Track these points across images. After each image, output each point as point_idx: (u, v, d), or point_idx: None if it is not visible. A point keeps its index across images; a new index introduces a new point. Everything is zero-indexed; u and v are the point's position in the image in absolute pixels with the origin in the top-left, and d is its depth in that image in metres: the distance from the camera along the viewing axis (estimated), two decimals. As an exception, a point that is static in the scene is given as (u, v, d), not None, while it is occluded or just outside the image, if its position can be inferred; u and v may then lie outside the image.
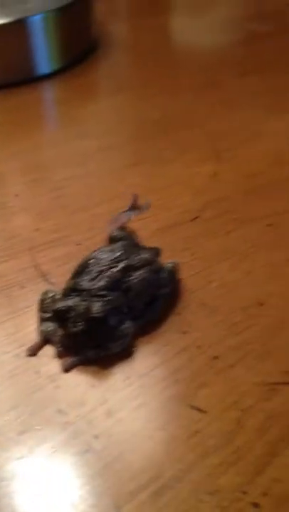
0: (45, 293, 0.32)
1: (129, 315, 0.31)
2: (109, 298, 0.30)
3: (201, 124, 0.54)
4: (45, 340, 0.31)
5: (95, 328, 0.29)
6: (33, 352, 0.31)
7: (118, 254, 0.33)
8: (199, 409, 0.28)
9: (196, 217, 0.42)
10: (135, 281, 0.31)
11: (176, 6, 0.88)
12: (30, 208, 0.43)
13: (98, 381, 0.29)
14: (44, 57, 0.60)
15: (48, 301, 0.32)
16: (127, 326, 0.30)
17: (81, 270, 0.32)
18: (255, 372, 0.30)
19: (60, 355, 0.30)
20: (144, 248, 0.35)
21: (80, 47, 0.66)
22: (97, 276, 0.31)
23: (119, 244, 0.34)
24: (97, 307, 0.29)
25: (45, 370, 0.30)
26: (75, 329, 0.29)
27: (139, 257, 0.33)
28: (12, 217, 0.42)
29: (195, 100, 0.59)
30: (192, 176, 0.47)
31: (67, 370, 0.30)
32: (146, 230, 0.40)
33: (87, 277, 0.31)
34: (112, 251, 0.33)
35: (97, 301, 0.30)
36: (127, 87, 0.61)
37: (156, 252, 0.35)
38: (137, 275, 0.32)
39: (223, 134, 0.52)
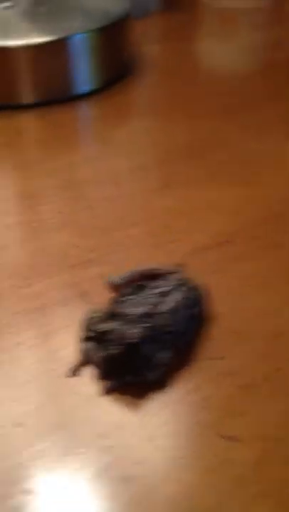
0: (91, 312, 0.33)
1: (170, 341, 0.32)
2: (148, 325, 0.31)
3: (230, 148, 0.55)
4: (86, 360, 0.32)
5: (129, 354, 0.30)
6: (75, 372, 0.31)
7: (156, 281, 0.33)
8: (233, 438, 0.29)
9: (227, 241, 0.43)
10: (177, 301, 0.32)
11: (205, 30, 0.89)
12: (70, 225, 0.44)
13: (136, 406, 0.30)
14: (83, 76, 0.62)
15: (93, 321, 0.33)
16: (164, 355, 0.31)
17: (124, 295, 0.33)
18: (287, 401, 0.30)
19: (99, 377, 0.31)
20: (168, 269, 0.36)
21: (117, 67, 0.67)
22: (139, 303, 0.32)
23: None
24: (132, 333, 0.30)
25: (85, 391, 0.31)
26: (110, 352, 0.30)
27: (171, 278, 0.34)
28: (53, 234, 0.43)
29: (223, 124, 0.59)
30: (223, 199, 0.47)
31: (105, 393, 0.31)
32: (177, 252, 0.41)
33: (128, 303, 0.32)
34: (151, 280, 0.34)
35: (135, 327, 0.30)
36: (159, 109, 0.62)
37: (179, 269, 0.36)
38: (175, 297, 0.32)
39: (252, 158, 0.53)
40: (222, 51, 0.79)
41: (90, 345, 0.32)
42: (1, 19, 0.63)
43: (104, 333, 0.31)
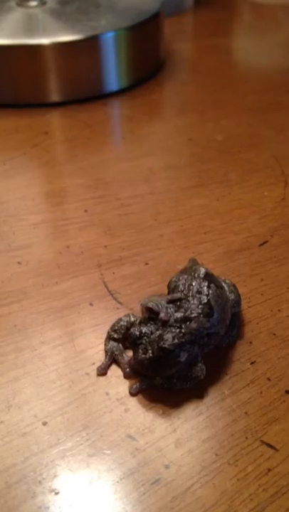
0: (126, 316, 0.32)
1: (208, 344, 0.30)
2: (185, 331, 0.29)
3: (267, 147, 0.54)
4: (112, 359, 0.31)
5: (164, 360, 0.28)
6: (103, 372, 0.30)
7: (190, 281, 0.31)
8: (271, 446, 0.27)
9: (264, 243, 0.41)
10: (213, 300, 0.30)
11: (240, 28, 0.88)
12: (99, 224, 0.43)
13: (167, 408, 0.29)
14: (113, 74, 0.61)
15: (123, 323, 0.32)
16: (199, 368, 0.29)
17: (160, 300, 0.31)
18: None
19: (126, 377, 0.30)
20: (190, 267, 0.34)
21: (148, 65, 0.66)
22: (175, 307, 0.30)
23: (181, 274, 0.33)
24: (169, 338, 0.28)
25: (114, 392, 0.29)
26: (143, 356, 0.28)
27: (199, 272, 0.32)
28: (81, 233, 0.42)
29: (259, 122, 0.58)
30: (259, 199, 0.46)
31: (133, 394, 0.29)
32: (212, 253, 0.40)
33: (164, 308, 0.30)
34: (184, 279, 0.32)
35: (172, 332, 0.29)
36: (192, 107, 0.61)
37: (195, 261, 0.34)
38: (211, 294, 0.30)
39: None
40: (257, 48, 0.77)
41: (115, 344, 0.31)
42: (30, 17, 0.63)
43: (138, 336, 0.29)
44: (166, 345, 0.28)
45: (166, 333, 0.28)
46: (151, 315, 0.30)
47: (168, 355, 0.28)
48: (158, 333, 0.28)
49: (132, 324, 0.31)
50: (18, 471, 0.26)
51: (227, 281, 0.34)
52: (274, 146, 0.54)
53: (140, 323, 0.30)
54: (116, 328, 0.32)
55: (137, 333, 0.29)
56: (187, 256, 0.39)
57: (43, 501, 0.25)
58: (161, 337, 0.28)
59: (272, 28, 0.85)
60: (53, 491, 0.25)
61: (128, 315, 0.32)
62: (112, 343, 0.31)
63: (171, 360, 0.28)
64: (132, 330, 0.29)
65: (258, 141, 0.55)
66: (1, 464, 0.26)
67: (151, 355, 0.28)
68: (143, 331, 0.29)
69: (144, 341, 0.29)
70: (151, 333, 0.29)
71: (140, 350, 0.29)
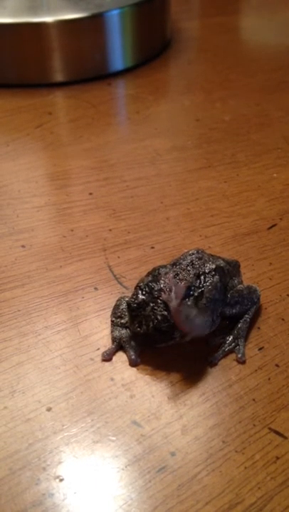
0: (121, 299, 0.32)
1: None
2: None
3: (276, 127, 0.52)
4: (119, 346, 0.30)
5: (158, 336, 0.28)
6: (108, 357, 0.30)
7: (193, 260, 0.31)
8: (279, 434, 0.26)
9: (273, 226, 0.40)
10: (208, 288, 0.30)
11: (248, 6, 0.85)
12: (104, 207, 0.42)
13: (173, 394, 0.28)
14: (118, 53, 0.60)
15: (123, 307, 0.31)
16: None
17: (157, 273, 0.31)
18: None
19: (132, 365, 0.30)
20: (222, 258, 0.33)
21: (154, 44, 0.65)
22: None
23: (194, 251, 0.32)
24: (162, 319, 0.28)
25: (119, 378, 0.29)
26: (138, 330, 0.29)
27: (212, 264, 0.31)
28: (86, 216, 0.41)
29: (268, 102, 0.57)
30: (268, 181, 0.45)
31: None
32: (220, 236, 0.39)
33: (162, 281, 0.30)
34: (190, 255, 0.32)
35: (163, 311, 0.28)
36: (199, 87, 0.60)
37: (233, 263, 0.33)
38: (208, 282, 0.30)
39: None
40: (266, 26, 0.75)
41: (123, 331, 0.31)
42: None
43: (137, 307, 0.29)
44: (159, 326, 0.28)
45: (159, 310, 0.28)
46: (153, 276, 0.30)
47: (162, 334, 0.28)
48: (151, 306, 0.28)
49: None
50: (22, 457, 0.25)
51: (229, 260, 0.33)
52: (283, 127, 0.52)
53: (136, 293, 0.29)
54: (118, 313, 0.31)
55: (135, 305, 0.29)
56: (194, 239, 0.39)
57: (47, 488, 0.24)
58: (155, 314, 0.28)
59: (281, 6, 0.83)
60: (57, 477, 0.25)
61: (121, 298, 0.32)
62: (120, 330, 0.31)
63: (165, 337, 0.28)
64: (129, 300, 0.29)
65: (267, 121, 0.53)
66: (5, 450, 0.26)
67: (146, 330, 0.28)
68: (140, 301, 0.29)
69: (139, 313, 0.29)
70: (147, 304, 0.29)
71: (136, 323, 0.29)
